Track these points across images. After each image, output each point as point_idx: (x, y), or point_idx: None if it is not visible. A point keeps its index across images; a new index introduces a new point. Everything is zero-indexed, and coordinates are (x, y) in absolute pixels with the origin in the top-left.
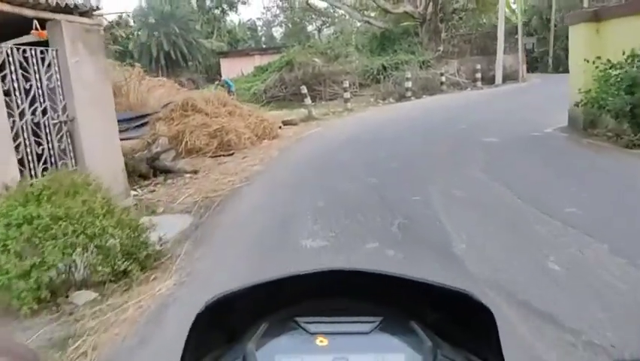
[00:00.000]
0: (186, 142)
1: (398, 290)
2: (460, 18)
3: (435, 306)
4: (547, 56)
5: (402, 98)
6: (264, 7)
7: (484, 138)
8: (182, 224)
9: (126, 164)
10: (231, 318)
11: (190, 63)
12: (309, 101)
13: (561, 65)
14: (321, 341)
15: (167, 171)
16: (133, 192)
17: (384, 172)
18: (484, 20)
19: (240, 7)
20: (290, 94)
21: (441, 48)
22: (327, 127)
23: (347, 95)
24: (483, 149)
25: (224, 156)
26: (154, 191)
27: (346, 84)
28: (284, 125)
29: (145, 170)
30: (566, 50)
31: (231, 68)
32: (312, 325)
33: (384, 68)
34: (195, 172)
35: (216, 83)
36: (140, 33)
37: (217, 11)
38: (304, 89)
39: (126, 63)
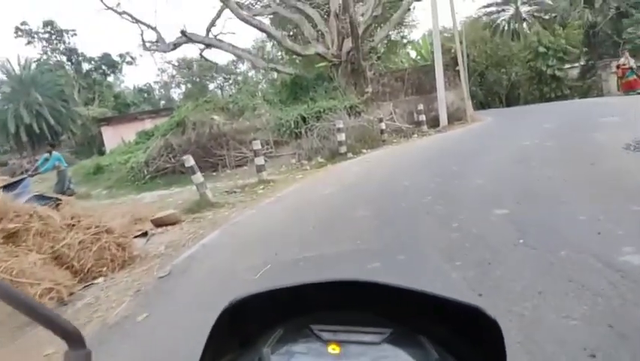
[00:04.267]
0: None
1: (408, 303)
2: (379, 57)
3: (444, 319)
4: None
5: (335, 155)
6: (159, 69)
7: (619, 256)
8: None
9: None
10: (246, 323)
11: (63, 136)
12: (200, 177)
13: (477, 102)
14: (334, 349)
15: None
16: None
17: None
18: (392, 64)
19: (132, 70)
20: (180, 165)
21: (369, 89)
22: (233, 229)
23: (260, 160)
24: None
25: None
26: None
27: (257, 145)
28: (155, 226)
29: None
30: (481, 85)
31: (115, 137)
32: (325, 333)
33: (304, 119)
34: None
35: (44, 156)
36: None
37: (97, 75)
38: (190, 161)
39: None
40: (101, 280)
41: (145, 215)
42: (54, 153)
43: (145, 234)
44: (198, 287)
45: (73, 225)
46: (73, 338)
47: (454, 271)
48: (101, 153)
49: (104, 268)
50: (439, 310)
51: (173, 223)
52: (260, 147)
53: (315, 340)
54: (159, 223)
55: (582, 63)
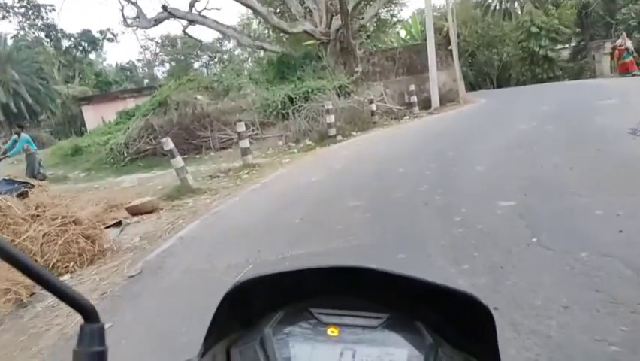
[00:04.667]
0: None
1: (405, 289)
2: (368, 36)
3: (439, 305)
4: None
5: (324, 138)
6: (142, 47)
7: None
8: None
9: None
10: (248, 305)
11: (42, 116)
12: (180, 161)
13: (468, 83)
14: (332, 332)
15: None
16: None
17: None
18: (382, 43)
19: (114, 47)
20: (162, 146)
21: (359, 69)
22: (213, 220)
23: (245, 143)
24: None
25: None
26: None
27: (242, 127)
28: (131, 214)
29: None
30: (471, 66)
31: (97, 117)
32: (325, 316)
33: (291, 99)
34: None
35: (12, 138)
36: None
37: (77, 52)
38: (169, 144)
39: None
40: (67, 277)
41: (121, 201)
42: (23, 134)
43: (119, 223)
44: (171, 290)
45: (38, 215)
46: (88, 312)
47: (462, 276)
48: (82, 133)
49: (71, 264)
50: (434, 296)
51: (150, 212)
52: (244, 128)
53: (315, 322)
54: (135, 212)
55: (573, 44)
